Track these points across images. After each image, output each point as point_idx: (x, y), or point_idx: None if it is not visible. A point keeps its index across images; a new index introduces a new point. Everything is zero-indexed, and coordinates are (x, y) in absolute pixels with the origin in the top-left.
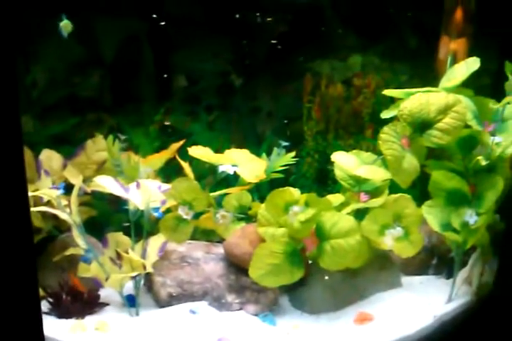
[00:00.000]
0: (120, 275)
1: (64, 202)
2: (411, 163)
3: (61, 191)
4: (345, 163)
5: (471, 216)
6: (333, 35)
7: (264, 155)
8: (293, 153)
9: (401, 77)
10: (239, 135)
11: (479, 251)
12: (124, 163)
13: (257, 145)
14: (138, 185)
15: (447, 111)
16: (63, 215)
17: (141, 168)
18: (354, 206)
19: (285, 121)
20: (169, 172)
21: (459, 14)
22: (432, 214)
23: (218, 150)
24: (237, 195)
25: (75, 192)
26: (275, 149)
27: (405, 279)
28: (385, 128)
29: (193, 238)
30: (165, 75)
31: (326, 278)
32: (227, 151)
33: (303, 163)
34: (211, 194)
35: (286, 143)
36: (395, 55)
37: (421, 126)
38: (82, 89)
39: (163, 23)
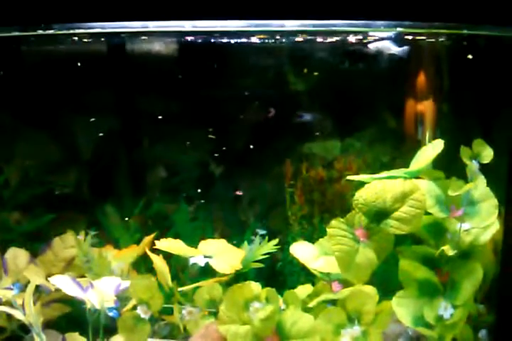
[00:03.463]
0: None
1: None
2: (365, 256)
3: (15, 291)
4: (302, 255)
5: (445, 309)
6: (311, 120)
7: (245, 243)
8: (275, 241)
9: (383, 158)
10: (222, 224)
11: None
12: (95, 259)
13: (241, 234)
14: (91, 285)
15: (405, 199)
16: (18, 315)
17: (115, 263)
18: (321, 298)
19: (268, 207)
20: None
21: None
22: (403, 307)
23: (201, 240)
24: (208, 288)
25: (28, 291)
26: (254, 238)
27: None
28: (333, 222)
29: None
30: (143, 169)
31: None
32: (202, 242)
33: (288, 249)
34: (181, 288)
35: (263, 232)
36: (375, 136)
37: (377, 215)
38: (58, 186)
39: (138, 118)
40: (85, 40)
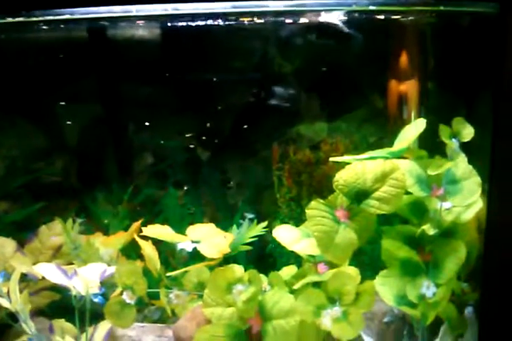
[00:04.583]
0: None
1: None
2: (346, 236)
3: (0, 279)
4: (284, 238)
5: (428, 287)
6: (297, 102)
7: (234, 227)
8: (264, 224)
9: (369, 139)
10: (211, 208)
11: (447, 324)
12: (83, 246)
13: (231, 218)
14: (75, 272)
15: (385, 179)
16: (5, 303)
17: (103, 249)
18: (306, 280)
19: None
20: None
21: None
22: (386, 286)
23: (191, 225)
24: (196, 271)
25: (13, 279)
26: (242, 221)
27: None
28: (312, 203)
29: None
30: (130, 155)
31: None
32: (190, 227)
33: None
34: (170, 273)
35: (251, 215)
36: (362, 116)
37: (358, 195)
38: (45, 175)
39: (125, 106)
40: (69, 26)
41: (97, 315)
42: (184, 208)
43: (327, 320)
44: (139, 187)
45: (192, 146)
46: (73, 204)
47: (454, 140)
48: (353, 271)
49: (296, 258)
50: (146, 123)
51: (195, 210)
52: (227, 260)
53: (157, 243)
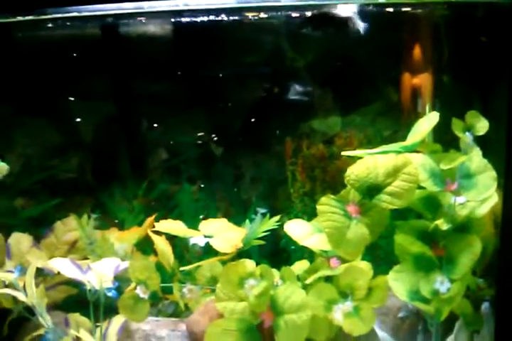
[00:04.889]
0: None
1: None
2: (357, 232)
3: (16, 274)
4: (295, 233)
5: (442, 283)
6: (310, 96)
7: (247, 222)
8: (277, 218)
9: (384, 133)
10: (225, 203)
11: (462, 320)
12: (98, 242)
13: (244, 212)
14: (89, 267)
15: (397, 174)
16: (21, 297)
17: (118, 244)
18: (318, 274)
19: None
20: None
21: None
22: (399, 281)
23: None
24: (209, 265)
25: (29, 274)
26: (255, 216)
27: None
28: (323, 199)
29: None
30: (145, 150)
31: None
32: (203, 222)
33: None
34: (184, 268)
35: (263, 210)
36: (376, 110)
37: (369, 190)
38: (60, 172)
39: (138, 102)
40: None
41: (112, 310)
42: (198, 203)
43: (338, 314)
44: (153, 182)
45: (205, 142)
46: (89, 200)
47: (467, 133)
48: (365, 266)
49: (309, 253)
50: (160, 120)
51: (209, 205)
52: (240, 255)
53: (172, 238)
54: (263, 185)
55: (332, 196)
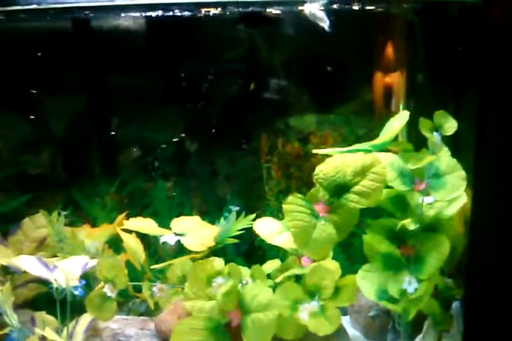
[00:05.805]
0: None
1: None
2: (324, 231)
3: None
4: (263, 231)
5: (409, 283)
6: (286, 94)
7: (222, 220)
8: (252, 216)
9: (358, 131)
10: (200, 200)
11: (431, 320)
12: (68, 239)
13: (219, 210)
14: (55, 265)
15: (365, 173)
16: None
17: (89, 242)
18: (288, 273)
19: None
20: None
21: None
22: (367, 280)
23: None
24: (180, 264)
25: None
26: (227, 215)
27: None
28: (289, 198)
29: None
30: (118, 147)
31: None
32: (174, 220)
33: None
34: (154, 266)
35: (236, 208)
36: (351, 109)
37: (337, 189)
38: (31, 167)
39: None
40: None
41: (81, 308)
42: (173, 200)
43: (304, 314)
44: (127, 179)
45: (180, 139)
46: (61, 196)
47: (435, 133)
48: (333, 265)
49: (284, 252)
50: (133, 116)
51: (184, 203)
52: (215, 253)
53: (146, 236)
54: (238, 183)
55: (299, 195)
